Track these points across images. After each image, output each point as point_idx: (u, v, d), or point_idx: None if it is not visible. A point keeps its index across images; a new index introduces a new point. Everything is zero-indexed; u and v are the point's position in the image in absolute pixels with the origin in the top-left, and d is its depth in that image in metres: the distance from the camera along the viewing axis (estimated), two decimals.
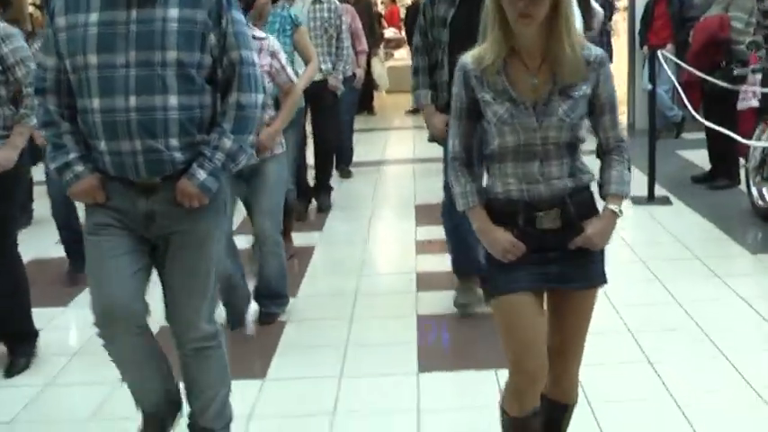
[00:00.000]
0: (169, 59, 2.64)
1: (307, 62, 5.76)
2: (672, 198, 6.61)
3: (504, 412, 2.60)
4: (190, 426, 3.08)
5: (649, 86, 6.88)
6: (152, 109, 2.65)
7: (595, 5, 9.86)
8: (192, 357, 2.96)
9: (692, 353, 3.90)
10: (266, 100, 4.08)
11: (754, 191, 6.01)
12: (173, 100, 2.66)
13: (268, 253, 4.49)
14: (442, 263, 4.87)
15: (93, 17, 2.65)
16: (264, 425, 3.46)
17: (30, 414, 3.65)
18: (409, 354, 4.04)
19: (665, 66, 6.49)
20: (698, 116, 6.14)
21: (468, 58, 2.47)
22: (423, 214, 6.52)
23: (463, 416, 3.45)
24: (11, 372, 4.02)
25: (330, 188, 7.24)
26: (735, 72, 6.14)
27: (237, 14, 2.78)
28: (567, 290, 2.50)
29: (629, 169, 2.53)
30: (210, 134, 2.76)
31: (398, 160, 9.17)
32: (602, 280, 2.55)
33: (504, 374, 2.66)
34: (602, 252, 2.53)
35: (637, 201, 6.52)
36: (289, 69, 4.46)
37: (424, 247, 5.75)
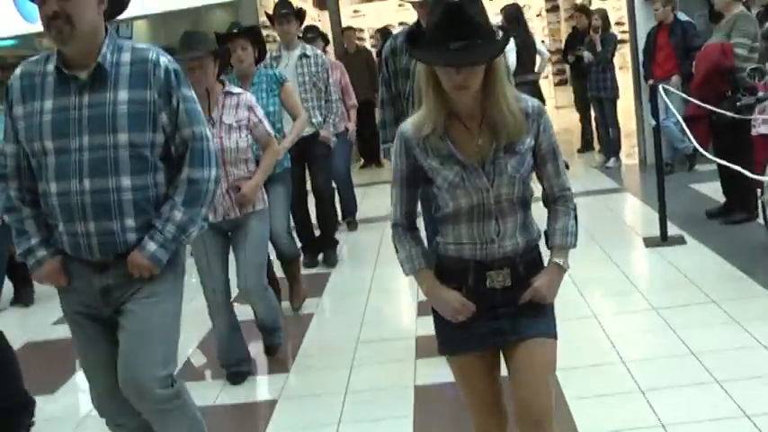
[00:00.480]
0: (121, 141, 2.72)
1: (295, 119, 5.62)
2: (686, 236, 6.28)
3: None
4: None
5: (653, 122, 6.62)
6: (105, 191, 2.72)
7: (541, 48, 9.74)
8: (154, 416, 2.92)
9: (713, 412, 3.55)
10: (242, 155, 4.29)
11: None
12: (125, 181, 2.73)
13: (254, 303, 4.58)
14: None
15: (48, 104, 2.74)
16: None
17: None
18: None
19: (667, 100, 6.20)
20: (704, 152, 5.83)
21: (407, 125, 2.46)
22: None
23: None
24: None
25: (336, 242, 7.16)
26: (741, 101, 5.84)
27: (188, 92, 2.85)
28: (522, 340, 2.47)
29: (575, 218, 2.53)
30: (162, 207, 2.81)
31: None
32: (552, 334, 2.54)
33: None
34: (551, 307, 2.54)
35: (649, 242, 6.23)
36: (266, 123, 4.46)
37: (425, 307, 5.47)
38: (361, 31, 18.47)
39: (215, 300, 4.42)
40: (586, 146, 10.82)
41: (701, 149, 5.79)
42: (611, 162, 9.56)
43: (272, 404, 4.27)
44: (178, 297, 2.97)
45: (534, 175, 2.49)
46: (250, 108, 4.36)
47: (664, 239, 6.22)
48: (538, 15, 18.01)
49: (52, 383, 4.80)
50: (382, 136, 4.52)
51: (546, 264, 2.52)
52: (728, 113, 5.89)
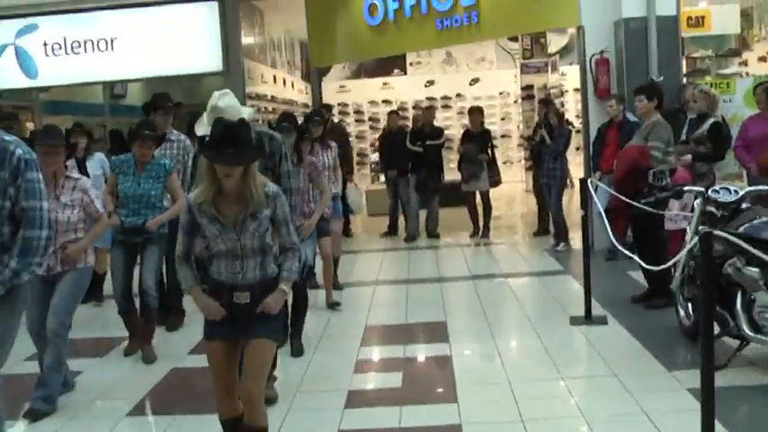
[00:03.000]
0: None
1: (175, 201, 6.60)
2: (609, 317, 6.88)
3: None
4: None
5: (596, 209, 7.23)
6: None
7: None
8: None
9: None
10: (71, 226, 5.51)
11: (680, 309, 6.29)
12: None
13: (50, 342, 5.40)
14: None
15: None
16: None
17: None
18: None
19: (593, 193, 6.90)
20: (617, 243, 6.53)
21: (191, 195, 3.95)
22: (372, 335, 6.84)
23: None
24: None
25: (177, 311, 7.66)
26: (656, 197, 6.53)
27: (32, 174, 3.73)
28: (252, 338, 3.87)
29: (299, 260, 4.03)
30: (3, 256, 3.73)
31: (361, 282, 9.46)
32: (280, 337, 4.21)
33: None
34: (280, 319, 4.06)
35: (574, 321, 6.83)
36: (97, 203, 5.68)
37: (362, 366, 6.04)
38: (346, 106, 19.32)
39: (33, 333, 5.50)
40: (543, 229, 11.46)
41: (613, 240, 6.43)
42: (561, 246, 10.21)
43: None
44: (9, 322, 3.82)
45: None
46: (84, 191, 5.58)
47: (587, 318, 6.82)
48: (515, 102, 18.92)
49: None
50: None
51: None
52: (644, 207, 6.57)
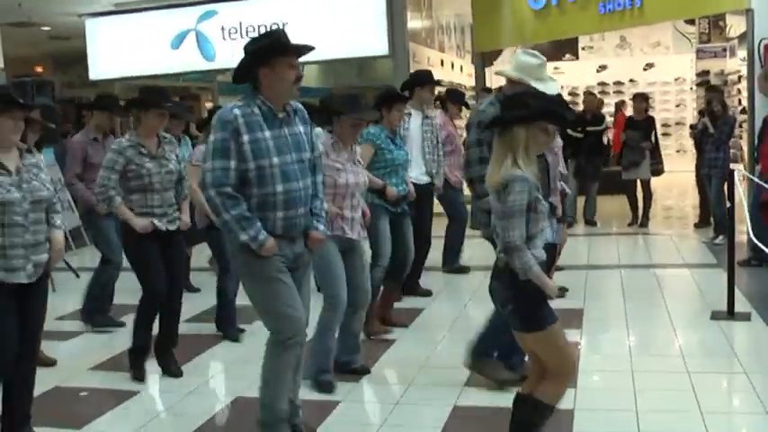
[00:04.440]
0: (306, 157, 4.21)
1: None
2: (753, 314, 6.60)
3: None
4: None
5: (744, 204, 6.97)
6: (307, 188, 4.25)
7: None
8: None
9: None
10: None
11: None
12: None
13: None
14: None
15: (267, 133, 4.13)
16: None
17: None
18: None
19: (739, 186, 6.62)
20: (757, 241, 6.25)
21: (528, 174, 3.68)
22: None
23: None
24: None
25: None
26: None
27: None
28: None
29: None
30: (316, 201, 4.32)
31: None
32: None
33: None
34: None
35: (716, 315, 6.59)
36: None
37: None
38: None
39: None
40: (705, 220, 11.04)
41: (752, 238, 6.16)
42: (719, 239, 9.81)
43: None
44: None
45: None
46: None
47: (730, 314, 6.58)
48: (690, 88, 18.19)
49: None
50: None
51: None
52: None
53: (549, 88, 4.65)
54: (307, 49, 4.10)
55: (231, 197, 3.94)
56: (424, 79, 7.53)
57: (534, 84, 4.67)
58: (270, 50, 4.01)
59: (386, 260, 6.27)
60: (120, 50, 14.69)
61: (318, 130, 7.98)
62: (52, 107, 11.22)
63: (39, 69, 18.81)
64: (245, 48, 4.08)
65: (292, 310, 4.07)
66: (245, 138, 3.94)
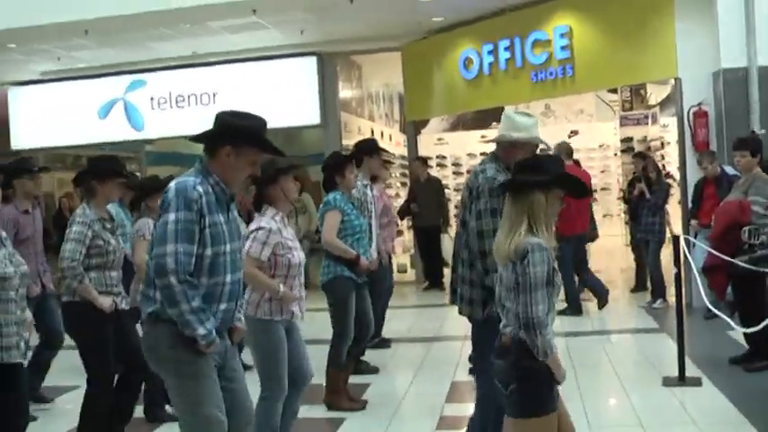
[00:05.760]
0: None
1: None
2: (704, 379, 6.60)
3: None
4: None
5: (690, 268, 7.00)
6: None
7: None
8: None
9: None
10: None
11: None
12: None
13: None
14: None
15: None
16: None
17: None
18: None
19: (685, 250, 6.67)
20: (710, 305, 6.32)
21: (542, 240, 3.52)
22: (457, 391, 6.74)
23: None
24: None
25: None
26: (757, 253, 6.27)
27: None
28: None
29: None
30: None
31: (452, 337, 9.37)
32: None
33: None
34: None
35: (667, 382, 6.56)
36: None
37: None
38: (444, 158, 19.33)
39: None
40: (641, 285, 11.14)
41: (706, 302, 6.19)
42: (658, 303, 9.89)
43: None
44: None
45: None
46: None
47: (681, 380, 6.55)
48: (614, 154, 18.60)
49: None
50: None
51: None
52: (745, 265, 6.31)
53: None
54: (279, 152, 3.86)
55: (194, 286, 3.57)
56: (371, 148, 7.33)
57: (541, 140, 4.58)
58: (246, 136, 3.72)
59: (351, 338, 6.12)
60: (44, 120, 14.29)
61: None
62: None
63: None
64: (223, 117, 3.75)
65: (221, 414, 3.69)
66: (207, 220, 3.61)
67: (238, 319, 3.89)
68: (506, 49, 11.61)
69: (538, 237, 3.41)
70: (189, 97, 13.56)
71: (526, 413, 3.41)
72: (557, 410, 3.43)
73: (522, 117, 4.58)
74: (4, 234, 4.16)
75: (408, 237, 15.79)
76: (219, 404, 3.69)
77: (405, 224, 15.97)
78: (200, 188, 3.61)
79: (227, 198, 3.74)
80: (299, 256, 4.92)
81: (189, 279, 3.55)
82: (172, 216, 3.56)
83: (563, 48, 10.98)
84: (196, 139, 3.78)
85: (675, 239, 6.77)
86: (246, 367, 5.61)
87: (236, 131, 3.69)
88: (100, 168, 5.28)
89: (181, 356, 3.62)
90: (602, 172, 19.13)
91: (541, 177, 3.47)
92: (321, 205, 6.38)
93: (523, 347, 3.37)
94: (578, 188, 3.69)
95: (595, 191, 18.73)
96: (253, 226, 4.90)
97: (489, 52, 11.90)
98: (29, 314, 4.28)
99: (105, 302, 5.10)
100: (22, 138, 14.45)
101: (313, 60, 13.42)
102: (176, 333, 3.58)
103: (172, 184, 3.67)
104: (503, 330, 3.53)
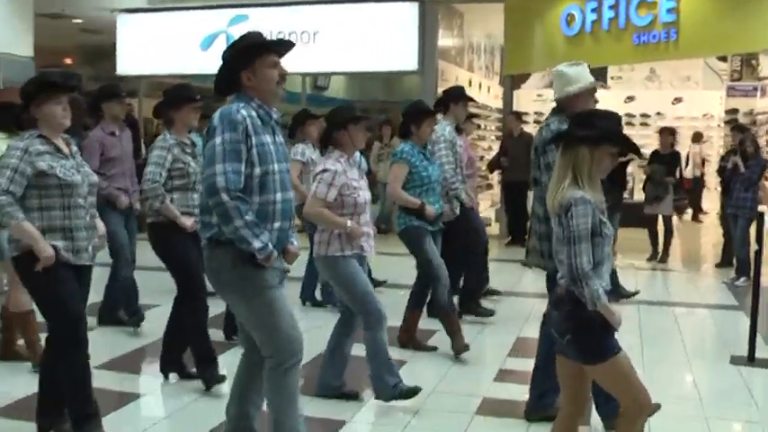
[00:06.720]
0: None
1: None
2: None
3: None
4: None
5: None
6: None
7: None
8: None
9: None
10: None
11: None
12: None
13: None
14: None
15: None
16: None
17: None
18: None
19: None
20: None
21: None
22: (521, 347, 6.79)
23: None
24: None
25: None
26: None
27: None
28: None
29: None
30: None
31: (523, 293, 9.37)
32: None
33: None
34: None
35: (736, 360, 6.43)
36: None
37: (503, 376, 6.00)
38: (542, 114, 19.02)
39: None
40: (727, 261, 10.87)
41: None
42: (741, 281, 9.64)
43: None
44: None
45: None
46: None
47: (751, 360, 6.42)
48: (718, 125, 18.02)
49: None
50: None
51: None
52: None
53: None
54: (288, 45, 3.91)
55: (245, 202, 3.67)
56: (458, 95, 7.29)
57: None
58: (249, 52, 3.81)
59: (446, 278, 6.22)
60: (149, 48, 14.71)
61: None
62: (79, 99, 11.19)
63: (67, 61, 18.85)
64: (223, 56, 3.85)
65: (296, 330, 3.83)
66: (254, 140, 3.73)
67: (291, 241, 3.96)
68: (611, 7, 11.33)
69: (582, 190, 3.41)
70: (290, 35, 13.62)
71: (586, 360, 3.48)
72: (620, 350, 3.46)
73: (571, 68, 4.64)
74: (74, 148, 4.37)
75: (496, 190, 15.71)
76: (292, 319, 3.84)
77: (495, 178, 15.92)
78: (243, 111, 3.73)
79: (272, 121, 3.86)
80: (364, 195, 5.05)
81: (240, 195, 3.66)
82: (218, 138, 3.69)
83: (669, 11, 10.65)
84: (218, 91, 3.94)
85: (761, 216, 6.58)
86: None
87: (240, 56, 3.79)
88: (174, 96, 5.54)
89: (243, 275, 3.73)
90: (704, 142, 18.56)
91: (588, 132, 3.47)
92: (391, 155, 6.47)
93: (576, 298, 3.42)
94: (629, 146, 3.66)
95: None
96: (318, 168, 5.02)
97: (593, 10, 11.64)
98: (101, 223, 4.48)
99: (187, 222, 5.33)
100: (128, 64, 14.92)
101: (415, 6, 13.36)
102: (236, 254, 3.70)
103: (217, 112, 3.80)
104: (558, 281, 3.59)
